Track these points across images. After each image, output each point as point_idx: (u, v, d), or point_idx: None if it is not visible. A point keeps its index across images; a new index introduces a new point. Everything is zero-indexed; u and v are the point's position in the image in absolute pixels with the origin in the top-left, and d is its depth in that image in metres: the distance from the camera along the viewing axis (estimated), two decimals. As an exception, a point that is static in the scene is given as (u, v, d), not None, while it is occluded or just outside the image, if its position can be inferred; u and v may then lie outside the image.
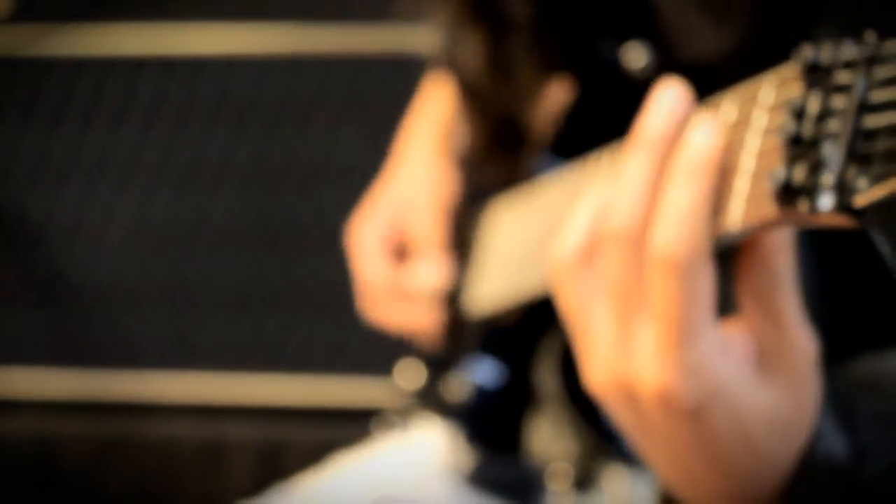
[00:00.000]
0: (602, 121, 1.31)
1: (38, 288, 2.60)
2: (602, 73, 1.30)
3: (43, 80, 2.57)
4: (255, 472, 2.55)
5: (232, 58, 2.54)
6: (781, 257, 0.87)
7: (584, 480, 1.38)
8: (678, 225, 0.84)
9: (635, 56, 1.25)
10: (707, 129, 0.86)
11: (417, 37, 2.41)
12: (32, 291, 2.60)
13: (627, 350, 0.86)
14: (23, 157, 2.57)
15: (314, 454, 2.48)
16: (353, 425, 2.47)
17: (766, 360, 0.86)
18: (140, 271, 2.58)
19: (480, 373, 1.38)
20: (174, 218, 2.56)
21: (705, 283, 0.84)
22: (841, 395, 0.90)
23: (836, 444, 0.87)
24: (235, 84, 2.53)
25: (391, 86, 2.49)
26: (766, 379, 0.86)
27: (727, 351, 0.85)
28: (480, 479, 1.37)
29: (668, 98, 0.89)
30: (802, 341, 0.87)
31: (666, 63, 1.24)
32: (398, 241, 1.58)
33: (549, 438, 1.41)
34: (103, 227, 2.57)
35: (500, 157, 1.44)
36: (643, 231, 0.86)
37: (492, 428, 1.37)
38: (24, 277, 2.60)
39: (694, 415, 0.84)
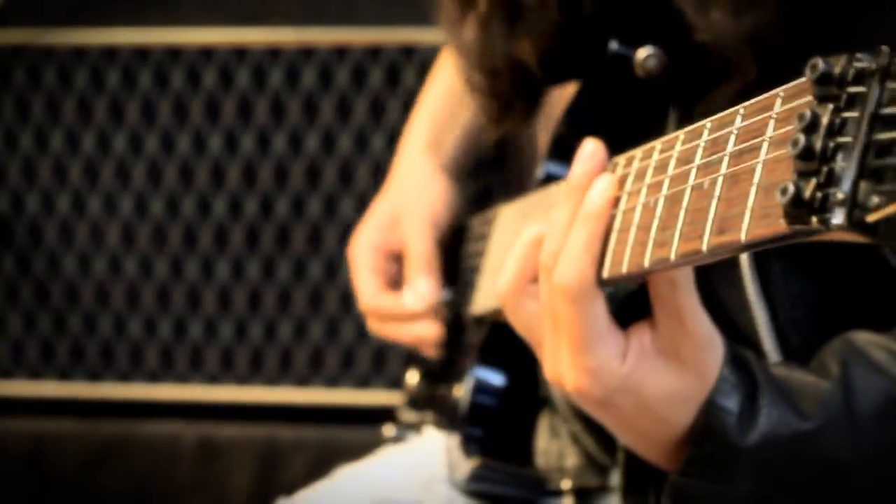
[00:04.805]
0: (606, 121, 1.30)
1: (37, 286, 2.58)
2: (610, 75, 1.28)
3: (41, 71, 2.55)
4: (253, 474, 2.54)
5: (235, 47, 2.52)
6: (679, 268, 1.00)
7: (587, 490, 1.37)
8: (571, 261, 1.04)
9: (645, 58, 1.25)
10: (603, 184, 1.04)
11: (423, 33, 2.42)
12: (31, 290, 2.59)
13: (556, 357, 1.08)
14: (21, 151, 2.56)
15: (314, 457, 2.49)
16: (352, 429, 2.47)
17: (668, 349, 1.05)
18: (139, 269, 2.56)
19: (482, 382, 1.37)
20: (175, 215, 2.54)
21: (595, 306, 1.04)
22: (754, 372, 1.07)
23: (731, 400, 1.05)
24: (239, 76, 2.51)
25: (396, 79, 2.48)
26: (668, 363, 1.05)
27: (626, 353, 1.05)
28: (481, 488, 1.36)
29: (587, 152, 1.07)
30: (700, 332, 1.04)
31: (675, 66, 1.24)
32: (391, 250, 1.63)
33: (551, 448, 1.40)
34: (102, 224, 2.55)
35: (511, 122, 1.43)
36: (554, 264, 1.06)
37: (494, 437, 1.36)
38: (22, 276, 2.59)
39: (602, 404, 1.07)
